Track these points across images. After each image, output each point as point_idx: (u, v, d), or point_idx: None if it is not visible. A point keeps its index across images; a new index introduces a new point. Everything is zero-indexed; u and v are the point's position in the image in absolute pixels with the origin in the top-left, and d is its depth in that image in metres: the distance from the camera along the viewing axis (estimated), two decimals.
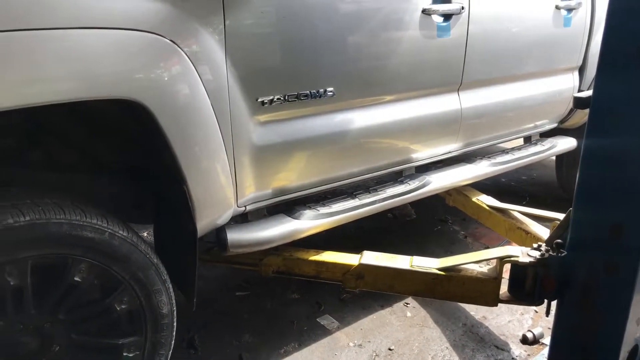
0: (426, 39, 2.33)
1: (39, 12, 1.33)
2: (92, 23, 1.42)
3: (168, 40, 1.55)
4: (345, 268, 2.24)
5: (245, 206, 1.97)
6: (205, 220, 1.78)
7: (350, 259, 2.27)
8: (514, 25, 2.73)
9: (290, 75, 1.94)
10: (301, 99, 1.96)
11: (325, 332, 2.51)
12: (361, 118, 2.23)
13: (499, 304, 2.09)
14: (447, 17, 2.37)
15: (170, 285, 1.78)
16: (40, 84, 1.37)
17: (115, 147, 1.93)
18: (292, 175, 2.08)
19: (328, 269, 2.26)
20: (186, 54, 1.60)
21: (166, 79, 1.56)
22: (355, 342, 2.44)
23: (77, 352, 1.67)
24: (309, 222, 2.14)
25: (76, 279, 1.56)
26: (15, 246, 1.43)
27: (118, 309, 1.67)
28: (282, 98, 1.91)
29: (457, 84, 2.57)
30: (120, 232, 1.62)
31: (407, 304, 2.73)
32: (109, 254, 1.59)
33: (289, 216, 2.13)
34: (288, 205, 2.23)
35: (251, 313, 2.64)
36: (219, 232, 1.96)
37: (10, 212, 1.42)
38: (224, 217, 1.90)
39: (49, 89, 1.39)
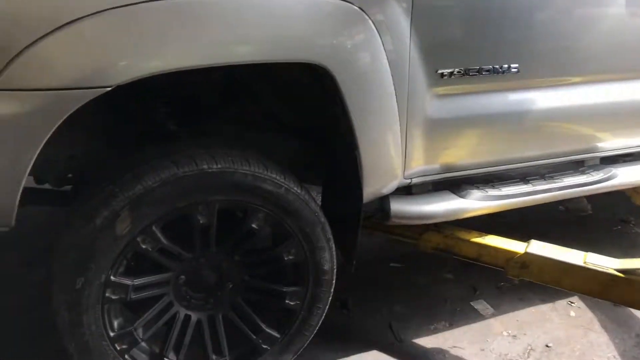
0: (633, 18, 2.09)
1: None
2: None
3: (356, 7, 1.59)
4: (509, 254, 2.14)
5: (411, 179, 1.97)
6: (371, 188, 1.82)
7: (515, 245, 2.17)
8: None
9: (474, 49, 1.88)
10: (482, 74, 1.89)
11: (479, 316, 2.45)
12: (544, 99, 2.09)
13: None
14: None
15: (334, 245, 1.87)
16: (237, 45, 1.50)
17: (297, 110, 2.04)
18: (463, 153, 2.03)
19: (490, 253, 2.18)
20: (372, 22, 1.62)
21: (351, 45, 1.61)
22: (510, 332, 2.34)
23: (247, 292, 1.86)
24: (476, 203, 2.08)
25: (253, 225, 1.72)
26: (207, 189, 1.60)
27: (285, 259, 1.80)
28: (462, 71, 1.86)
29: None
30: (295, 188, 1.73)
31: (572, 302, 2.54)
32: (284, 207, 1.71)
33: (455, 194, 2.09)
34: (454, 183, 2.19)
35: (404, 286, 2.67)
36: (382, 201, 1.99)
37: (205, 159, 1.59)
38: (390, 187, 1.92)
39: (245, 49, 1.51)
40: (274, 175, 1.68)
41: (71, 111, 1.34)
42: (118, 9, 1.32)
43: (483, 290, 2.64)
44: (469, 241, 2.22)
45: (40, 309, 2.26)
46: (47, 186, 2.12)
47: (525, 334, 2.32)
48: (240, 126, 2.09)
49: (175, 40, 1.40)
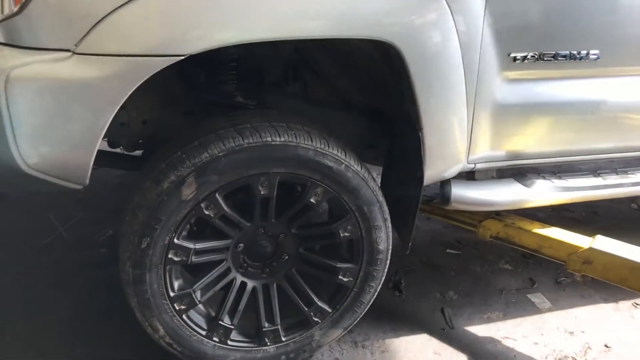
0: None
1: None
2: None
3: None
4: (572, 248, 2.07)
5: (475, 164, 1.93)
6: (433, 170, 1.80)
7: (579, 240, 2.09)
8: None
9: (551, 32, 1.80)
10: (558, 59, 1.81)
11: (535, 309, 2.39)
12: (625, 88, 1.99)
13: None
14: None
15: (390, 225, 1.87)
16: (307, 19, 1.51)
17: (362, 88, 2.03)
18: (531, 141, 1.96)
19: (552, 245, 2.12)
20: (446, 1, 1.59)
21: (423, 24, 1.58)
22: (567, 328, 2.27)
23: (301, 265, 1.89)
24: (540, 193, 2.02)
25: (311, 200, 1.74)
26: (270, 161, 1.64)
27: (341, 235, 1.82)
28: (536, 56, 1.79)
29: None
30: (355, 166, 1.74)
31: (637, 304, 2.43)
32: (342, 184, 1.72)
33: (519, 182, 2.04)
34: (519, 171, 2.13)
35: (459, 272, 2.64)
36: (443, 185, 1.97)
37: (269, 131, 1.63)
38: (452, 171, 1.89)
39: (315, 24, 1.52)
40: (334, 152, 1.69)
41: (146, 77, 1.40)
42: None
43: (541, 284, 2.57)
44: (530, 232, 2.16)
45: (106, 266, 2.43)
46: (118, 150, 2.23)
47: (583, 332, 2.25)
48: (304, 102, 2.11)
49: (248, 13, 1.43)
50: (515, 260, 2.73)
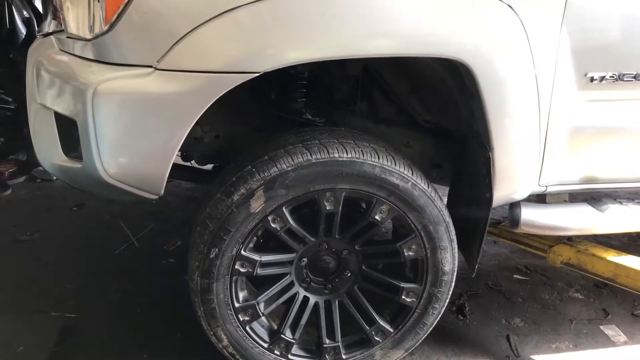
0: None
1: None
2: None
3: (505, 5, 1.55)
4: None
5: (546, 186, 1.87)
6: (502, 192, 1.76)
7: None
8: None
9: (632, 52, 1.73)
10: (639, 80, 1.74)
11: (608, 342, 2.26)
12: None
13: None
14: None
15: (456, 246, 1.84)
16: (379, 38, 1.52)
17: (431, 107, 2.03)
18: (607, 165, 1.88)
19: (629, 275, 2.01)
20: (521, 21, 1.57)
21: (495, 43, 1.57)
22: None
23: (364, 283, 1.88)
24: (616, 219, 1.93)
25: (376, 217, 1.74)
26: (336, 177, 1.66)
27: (406, 254, 1.80)
28: (615, 76, 1.73)
29: None
30: (421, 184, 1.73)
31: None
32: (408, 202, 1.72)
33: (593, 207, 1.95)
34: (593, 196, 2.05)
35: (526, 299, 2.54)
36: (512, 207, 1.92)
37: (337, 148, 1.65)
38: (522, 193, 1.84)
39: (386, 42, 1.53)
40: (401, 169, 1.69)
41: (221, 93, 1.47)
42: (269, 0, 1.41)
43: (616, 315, 2.43)
44: (604, 259, 2.06)
45: (174, 275, 2.51)
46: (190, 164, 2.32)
47: None
48: (372, 121, 2.12)
49: (320, 31, 1.47)
50: (586, 289, 2.61)
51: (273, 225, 1.69)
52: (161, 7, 1.44)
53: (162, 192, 1.59)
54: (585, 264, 2.11)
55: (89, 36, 1.51)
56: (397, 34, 1.52)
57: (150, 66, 1.45)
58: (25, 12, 3.48)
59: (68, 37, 1.62)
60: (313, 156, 1.63)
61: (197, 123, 1.51)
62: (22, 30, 3.43)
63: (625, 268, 2.02)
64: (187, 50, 1.43)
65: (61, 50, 1.68)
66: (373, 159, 1.66)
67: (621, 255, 2.07)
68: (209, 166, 2.39)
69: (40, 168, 3.49)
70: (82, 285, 2.47)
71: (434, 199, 1.74)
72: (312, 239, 1.78)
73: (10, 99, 3.50)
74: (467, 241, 1.90)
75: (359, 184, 1.67)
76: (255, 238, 1.73)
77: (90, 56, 1.53)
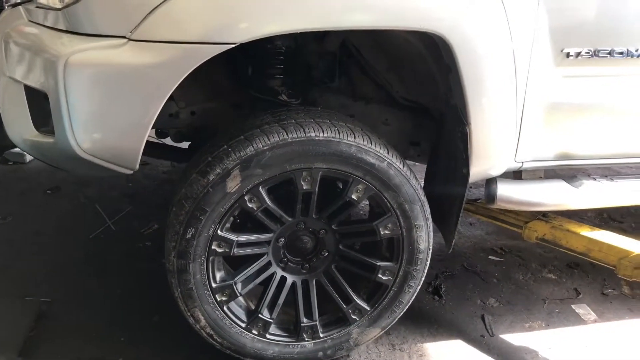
0: None
1: None
2: None
3: None
4: (622, 253, 2.00)
5: (522, 162, 1.89)
6: (479, 167, 1.78)
7: (630, 244, 2.02)
8: None
9: (607, 29, 1.76)
10: (614, 56, 1.77)
11: (579, 321, 2.32)
12: None
13: None
14: None
15: (431, 225, 1.86)
16: (358, 10, 1.52)
17: (408, 83, 2.03)
18: (582, 141, 1.91)
19: (601, 249, 2.05)
20: None
21: (474, 16, 1.57)
22: (614, 341, 2.20)
23: (341, 262, 1.89)
24: (589, 195, 1.96)
25: (353, 196, 1.74)
26: (313, 156, 1.65)
27: (382, 233, 1.81)
28: (591, 52, 1.75)
29: None
30: (397, 163, 1.73)
31: None
32: (384, 181, 1.72)
33: (568, 183, 1.99)
34: (568, 172, 2.08)
35: (501, 280, 2.59)
36: (489, 183, 1.94)
37: (313, 127, 1.65)
38: (498, 169, 1.86)
39: (364, 15, 1.53)
40: (377, 149, 1.69)
41: (197, 65, 1.44)
42: None
43: (587, 295, 2.49)
44: (578, 234, 2.10)
45: (151, 259, 2.50)
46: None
47: (629, 347, 2.17)
48: (349, 98, 2.12)
49: (297, 2, 1.45)
50: (559, 269, 2.66)
51: (250, 205, 1.69)
52: None
53: (137, 166, 1.57)
54: (560, 239, 2.14)
55: (58, 5, 1.47)
56: (377, 6, 1.52)
57: (124, 37, 1.42)
58: None
59: (37, 7, 1.58)
60: (289, 135, 1.62)
61: (172, 98, 1.49)
62: None
63: (598, 242, 2.07)
64: (162, 20, 1.40)
65: (30, 21, 1.63)
66: (349, 139, 1.66)
67: (594, 231, 2.11)
68: (185, 144, 2.36)
69: (12, 150, 3.41)
70: (57, 270, 2.43)
71: (409, 178, 1.75)
72: (289, 219, 1.77)
73: None
74: (445, 217, 1.92)
75: (336, 163, 1.68)
76: (232, 218, 1.72)
77: (61, 27, 1.49)
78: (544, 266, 2.69)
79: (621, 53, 1.77)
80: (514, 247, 2.77)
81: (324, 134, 1.65)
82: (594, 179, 2.02)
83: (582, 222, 2.25)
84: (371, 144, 1.69)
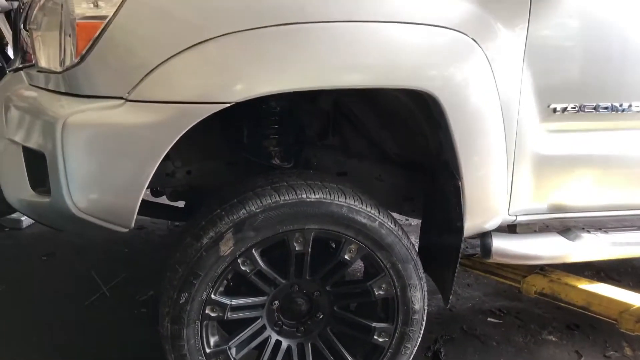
0: None
1: (365, 6, 1.55)
2: (403, 18, 1.57)
3: (470, 39, 1.61)
4: (623, 306, 1.98)
5: (516, 216, 1.90)
6: (473, 222, 1.78)
7: (631, 297, 2.01)
8: None
9: (591, 85, 1.81)
10: (599, 111, 1.82)
11: None
12: None
13: None
14: None
15: (425, 284, 1.84)
16: (350, 70, 1.57)
17: (400, 139, 2.07)
18: (574, 193, 1.93)
19: (602, 302, 2.03)
20: (485, 54, 1.63)
21: (462, 75, 1.62)
22: None
23: (336, 324, 1.86)
24: (586, 248, 1.96)
25: (346, 257, 1.75)
26: (304, 217, 1.67)
27: (376, 293, 1.80)
28: (577, 107, 1.80)
29: None
30: (389, 223, 1.75)
31: None
32: (376, 241, 1.73)
33: (563, 236, 1.99)
34: (562, 225, 2.09)
35: (500, 343, 2.53)
36: (484, 237, 1.93)
37: (304, 189, 1.68)
38: (492, 223, 1.86)
39: (356, 75, 1.59)
40: (368, 209, 1.71)
41: (192, 124, 1.47)
42: (240, 32, 1.46)
43: (588, 357, 2.41)
44: (577, 288, 2.08)
45: (146, 325, 2.46)
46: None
47: None
48: (343, 154, 2.15)
49: (291, 63, 1.51)
50: (559, 330, 2.61)
51: (243, 268, 1.69)
52: (132, 39, 1.47)
53: (133, 225, 1.57)
54: (559, 293, 2.12)
55: (59, 69, 1.53)
56: (367, 66, 1.57)
57: (121, 97, 1.46)
58: None
59: (38, 72, 1.63)
60: (281, 197, 1.65)
61: (168, 158, 1.52)
62: None
63: (598, 296, 2.05)
64: (159, 81, 1.45)
65: (31, 84, 1.69)
66: (340, 199, 1.69)
67: (593, 284, 2.09)
68: (181, 203, 2.38)
69: (9, 217, 3.43)
70: (51, 338, 2.39)
71: (401, 237, 1.76)
72: (283, 281, 1.77)
73: None
74: (441, 272, 1.91)
75: (327, 223, 1.69)
76: (225, 281, 1.71)
77: (61, 89, 1.54)
78: (543, 327, 2.64)
79: (606, 108, 1.82)
80: (512, 308, 2.73)
81: (315, 195, 1.67)
82: (589, 231, 2.02)
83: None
84: (362, 204, 1.71)
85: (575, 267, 2.19)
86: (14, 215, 3.35)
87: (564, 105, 1.79)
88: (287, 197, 1.65)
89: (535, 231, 2.03)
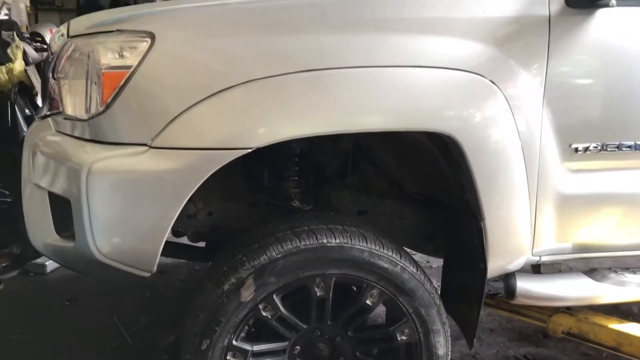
0: None
1: (384, 51, 1.57)
2: (422, 62, 1.59)
3: (488, 81, 1.62)
4: None
5: (540, 256, 1.86)
6: (496, 263, 1.75)
7: None
8: None
9: (613, 124, 1.79)
10: (622, 150, 1.79)
11: None
12: None
13: None
14: None
15: (448, 329, 1.81)
16: (370, 114, 1.60)
17: (421, 180, 2.06)
18: (599, 233, 1.89)
19: (632, 342, 1.95)
20: (504, 95, 1.63)
21: (481, 117, 1.63)
22: None
23: None
24: (612, 288, 1.91)
25: (367, 302, 1.73)
26: (325, 262, 1.66)
27: (398, 339, 1.77)
28: (599, 146, 1.77)
29: None
30: (411, 267, 1.73)
31: None
32: (398, 286, 1.71)
33: (588, 277, 1.94)
34: (588, 265, 2.04)
35: None
36: (507, 278, 1.89)
37: (325, 233, 1.68)
38: (516, 264, 1.83)
39: (376, 118, 1.61)
40: (389, 253, 1.70)
41: (215, 169, 1.50)
42: (263, 79, 1.50)
43: None
44: (606, 327, 2.01)
45: None
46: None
47: None
48: (363, 194, 2.15)
49: (313, 108, 1.54)
50: None
51: (264, 314, 1.68)
52: (156, 87, 1.51)
53: (155, 269, 1.58)
54: (587, 333, 2.05)
55: (85, 117, 1.57)
56: (387, 110, 1.59)
57: (145, 144, 1.49)
58: (27, 110, 3.60)
59: (65, 119, 1.68)
60: (302, 242, 1.65)
61: (190, 200, 1.54)
62: (24, 127, 3.53)
63: (629, 336, 1.97)
64: (182, 128, 1.48)
65: (57, 131, 1.73)
66: (361, 244, 1.68)
67: (623, 323, 2.02)
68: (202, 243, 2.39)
69: (33, 262, 3.47)
70: None
71: (423, 282, 1.74)
72: (304, 326, 1.75)
73: (7, 192, 3.54)
74: (465, 313, 1.88)
75: (349, 268, 1.68)
76: (246, 327, 1.71)
77: (86, 136, 1.58)
78: None
79: (630, 147, 1.79)
80: (537, 354, 2.65)
81: (336, 240, 1.67)
82: (615, 271, 1.96)
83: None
84: (383, 248, 1.70)
85: (603, 307, 2.12)
86: (39, 260, 3.40)
87: (585, 145, 1.77)
88: (307, 242, 1.65)
89: (560, 271, 1.99)
